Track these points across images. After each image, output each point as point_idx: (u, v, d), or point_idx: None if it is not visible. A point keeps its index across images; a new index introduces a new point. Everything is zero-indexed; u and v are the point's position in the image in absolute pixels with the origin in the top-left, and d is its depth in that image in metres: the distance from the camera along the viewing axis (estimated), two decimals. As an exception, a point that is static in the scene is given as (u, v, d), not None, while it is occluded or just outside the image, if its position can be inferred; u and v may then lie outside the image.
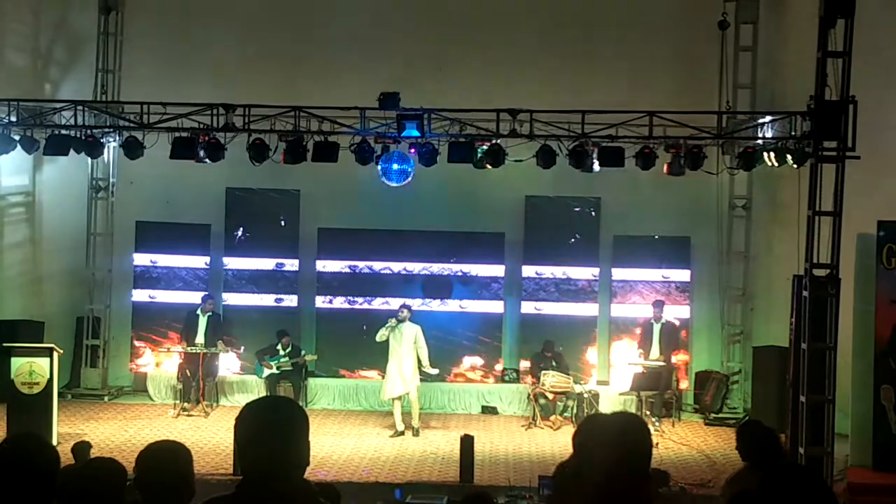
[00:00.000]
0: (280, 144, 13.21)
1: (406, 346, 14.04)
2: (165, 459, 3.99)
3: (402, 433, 14.01)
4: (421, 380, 14.27)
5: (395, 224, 16.28)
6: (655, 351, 15.23)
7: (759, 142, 13.24)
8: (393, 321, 14.13)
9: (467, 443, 11.96)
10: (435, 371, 14.38)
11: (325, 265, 16.50)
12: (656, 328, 15.33)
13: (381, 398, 14.64)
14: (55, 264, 16.87)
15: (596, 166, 13.16)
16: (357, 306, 16.33)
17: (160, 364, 16.25)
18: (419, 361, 14.12)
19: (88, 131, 13.49)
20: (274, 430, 3.14)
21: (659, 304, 15.42)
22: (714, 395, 15.75)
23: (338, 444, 13.41)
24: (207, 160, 13.36)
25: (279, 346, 15.31)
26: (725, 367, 16.19)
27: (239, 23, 16.52)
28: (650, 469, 3.19)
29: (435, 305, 16.19)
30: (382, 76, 14.36)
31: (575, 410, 14.68)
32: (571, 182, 14.97)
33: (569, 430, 13.68)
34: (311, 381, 15.90)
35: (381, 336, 14.16)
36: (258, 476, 3.13)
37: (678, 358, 15.65)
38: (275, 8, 16.55)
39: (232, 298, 16.55)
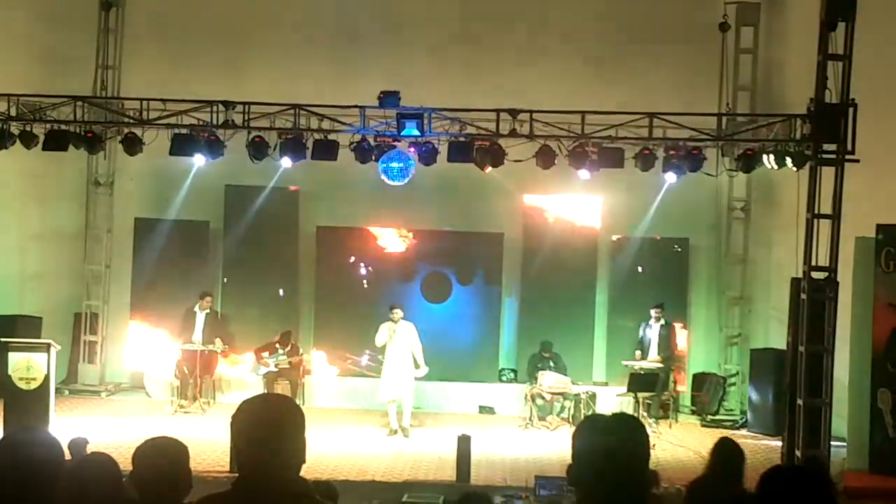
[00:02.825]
0: (279, 142, 13.22)
1: (402, 346, 13.94)
2: (162, 455, 3.99)
3: (398, 431, 14.00)
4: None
5: (394, 222, 16.28)
6: (653, 352, 15.23)
7: (759, 144, 13.23)
8: (391, 324, 13.99)
9: (464, 442, 11.95)
10: (425, 370, 14.11)
11: (324, 264, 16.49)
12: (655, 329, 15.32)
13: (377, 399, 14.53)
14: (53, 260, 16.85)
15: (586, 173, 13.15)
16: (356, 306, 16.30)
17: (157, 361, 16.22)
18: (414, 360, 14.01)
19: (88, 127, 13.48)
20: (270, 427, 3.13)
21: (658, 306, 15.40)
22: (711, 397, 15.77)
23: (335, 442, 13.39)
24: (207, 157, 13.39)
25: (278, 345, 15.30)
26: (723, 369, 16.19)
27: (239, 20, 16.49)
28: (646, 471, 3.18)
29: (433, 304, 16.17)
30: (382, 75, 14.34)
31: (572, 411, 14.68)
32: (570, 182, 14.96)
33: (566, 431, 13.71)
34: (309, 379, 15.88)
35: (380, 340, 14.05)
36: (254, 473, 3.11)
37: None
38: (275, 5, 16.53)
39: (230, 296, 16.55)
